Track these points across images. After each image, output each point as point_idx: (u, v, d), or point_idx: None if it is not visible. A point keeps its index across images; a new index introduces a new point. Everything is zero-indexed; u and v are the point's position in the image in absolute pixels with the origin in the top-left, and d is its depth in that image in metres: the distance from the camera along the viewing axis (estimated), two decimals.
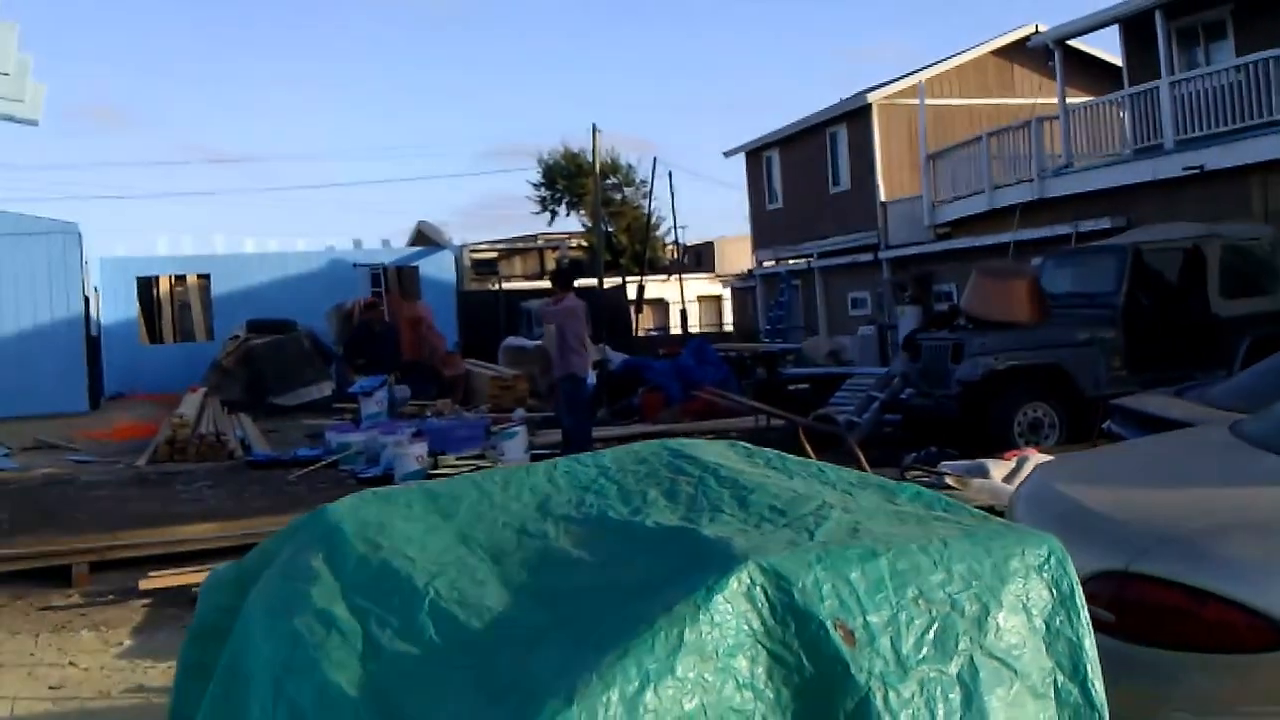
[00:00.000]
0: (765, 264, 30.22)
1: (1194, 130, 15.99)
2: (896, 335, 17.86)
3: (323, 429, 14.06)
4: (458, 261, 28.53)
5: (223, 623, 2.29)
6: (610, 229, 42.95)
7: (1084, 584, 3.44)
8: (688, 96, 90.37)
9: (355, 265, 23.80)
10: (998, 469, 7.18)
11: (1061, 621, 2.21)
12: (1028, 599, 2.18)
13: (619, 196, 45.96)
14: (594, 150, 36.20)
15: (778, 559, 1.98)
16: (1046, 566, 2.23)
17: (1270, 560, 3.24)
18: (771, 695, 1.90)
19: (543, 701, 1.70)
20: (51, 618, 6.76)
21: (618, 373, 15.96)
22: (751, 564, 1.95)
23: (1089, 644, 2.24)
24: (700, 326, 35.65)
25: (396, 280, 24.10)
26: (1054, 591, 2.22)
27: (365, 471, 11.35)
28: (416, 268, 27.19)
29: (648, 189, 38.39)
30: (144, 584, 7.05)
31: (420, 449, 11.10)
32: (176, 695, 2.42)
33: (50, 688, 5.40)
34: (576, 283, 13.58)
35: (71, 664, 5.76)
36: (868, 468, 7.34)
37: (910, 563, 2.08)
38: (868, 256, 24.61)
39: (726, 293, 38.81)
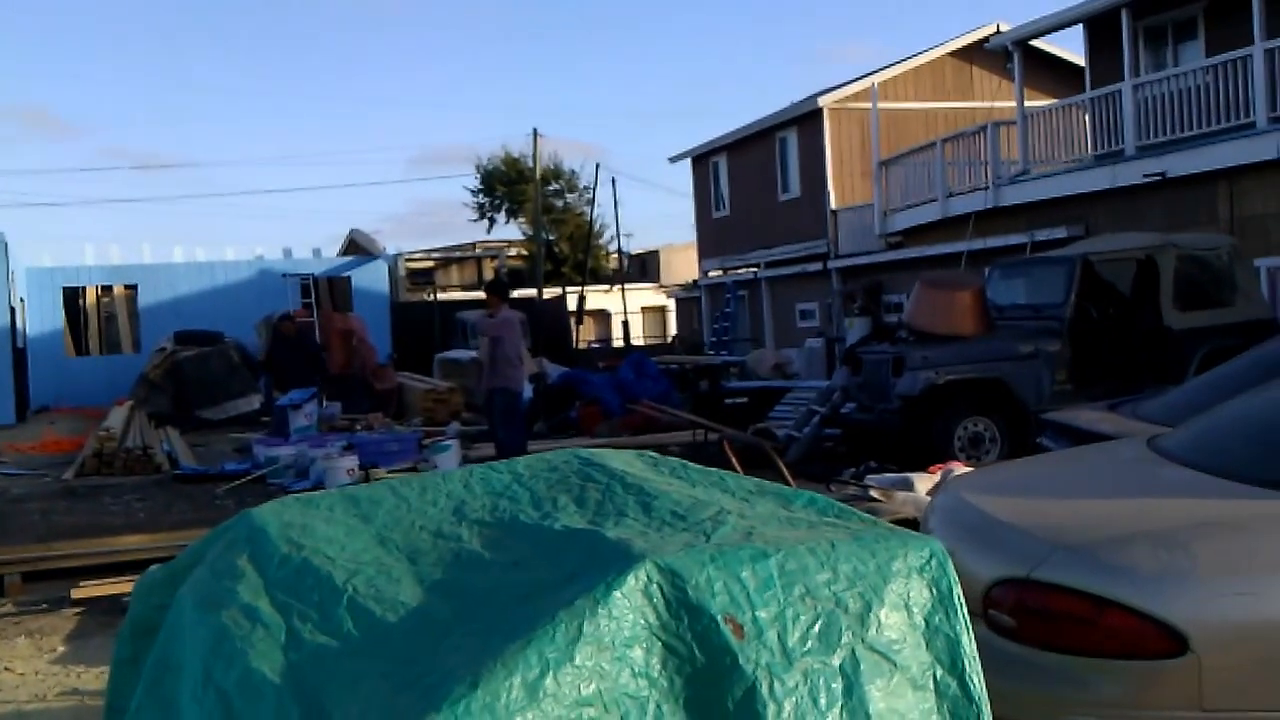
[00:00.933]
0: (711, 274, 30.53)
1: (1157, 135, 16.14)
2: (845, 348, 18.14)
3: (250, 442, 14.38)
4: (392, 271, 28.72)
5: (155, 619, 2.56)
6: (551, 237, 43.21)
7: (987, 591, 3.78)
8: (634, 100, 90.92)
9: (285, 275, 23.90)
10: (922, 482, 7.52)
11: (940, 619, 2.47)
12: (909, 598, 2.44)
13: (561, 203, 46.26)
14: (535, 155, 36.52)
15: (673, 558, 2.24)
16: (927, 568, 2.49)
17: (1169, 569, 3.51)
18: (665, 683, 2.16)
19: (450, 686, 1.95)
20: None
21: (555, 386, 16.23)
22: (649, 563, 2.21)
23: (967, 641, 2.51)
24: (644, 338, 35.98)
25: (328, 291, 24.21)
26: (934, 591, 2.49)
27: (295, 485, 11.55)
28: (348, 278, 27.36)
29: (590, 196, 38.71)
30: (76, 593, 7.44)
31: (351, 462, 11.40)
32: (112, 688, 2.69)
33: None
34: (515, 293, 13.84)
35: (7, 669, 6.11)
36: (792, 481, 7.69)
37: (798, 563, 2.35)
38: (817, 266, 24.94)
39: (671, 303, 39.18)
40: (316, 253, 28.75)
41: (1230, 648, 3.38)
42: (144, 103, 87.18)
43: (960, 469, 7.82)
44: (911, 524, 5.00)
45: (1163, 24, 17.89)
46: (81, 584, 7.64)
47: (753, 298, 28.45)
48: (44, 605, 7.52)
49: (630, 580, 2.17)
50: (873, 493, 7.60)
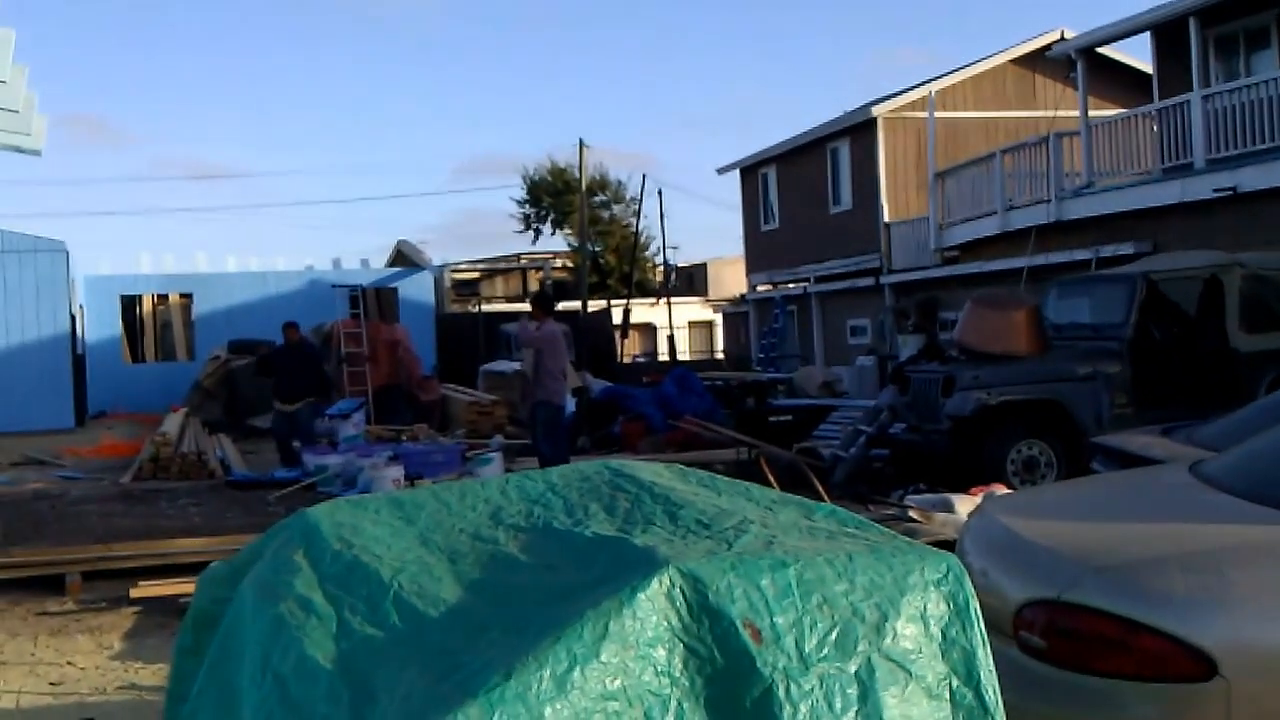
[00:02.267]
0: (759, 288, 30.60)
1: (1228, 148, 15.82)
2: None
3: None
4: (438, 282, 29.52)
5: (216, 611, 2.87)
6: (597, 249, 43.56)
7: (1018, 611, 3.93)
8: (682, 110, 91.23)
9: (334, 286, 24.76)
10: (963, 505, 7.65)
11: (957, 631, 2.66)
12: (925, 610, 2.64)
13: (607, 214, 46.60)
14: (581, 165, 36.84)
15: (696, 565, 2.47)
16: (945, 582, 2.69)
17: (1201, 594, 3.61)
18: (686, 682, 2.38)
19: (486, 676, 2.19)
20: (48, 622, 7.68)
21: (598, 400, 16.48)
22: (672, 568, 2.44)
23: (983, 653, 2.69)
24: (690, 353, 36.18)
25: (375, 302, 24.86)
26: (951, 604, 2.68)
27: (343, 493, 11.93)
28: (395, 289, 28.23)
29: (637, 207, 38.96)
30: (134, 593, 8.01)
31: (396, 472, 11.89)
32: (174, 676, 3.00)
33: (51, 684, 6.25)
34: (559, 305, 14.14)
35: (69, 664, 6.64)
36: (826, 496, 7.87)
37: (816, 573, 2.56)
38: (869, 281, 24.87)
39: (719, 318, 39.32)
40: (365, 263, 29.92)
41: (1261, 674, 3.48)
42: (199, 112, 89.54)
43: (1002, 491, 7.93)
44: (950, 546, 5.15)
45: (1234, 32, 17.58)
46: (139, 584, 8.18)
47: (802, 313, 28.51)
48: (103, 604, 8.05)
49: (654, 584, 2.40)
50: (912, 514, 7.76)
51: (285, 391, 14.99)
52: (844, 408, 16.10)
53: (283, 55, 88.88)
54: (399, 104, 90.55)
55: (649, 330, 37.28)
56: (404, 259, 33.39)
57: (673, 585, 2.41)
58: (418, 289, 28.75)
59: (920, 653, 2.61)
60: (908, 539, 2.87)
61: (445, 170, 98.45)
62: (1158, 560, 3.84)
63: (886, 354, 21.28)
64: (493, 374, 21.71)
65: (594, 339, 26.77)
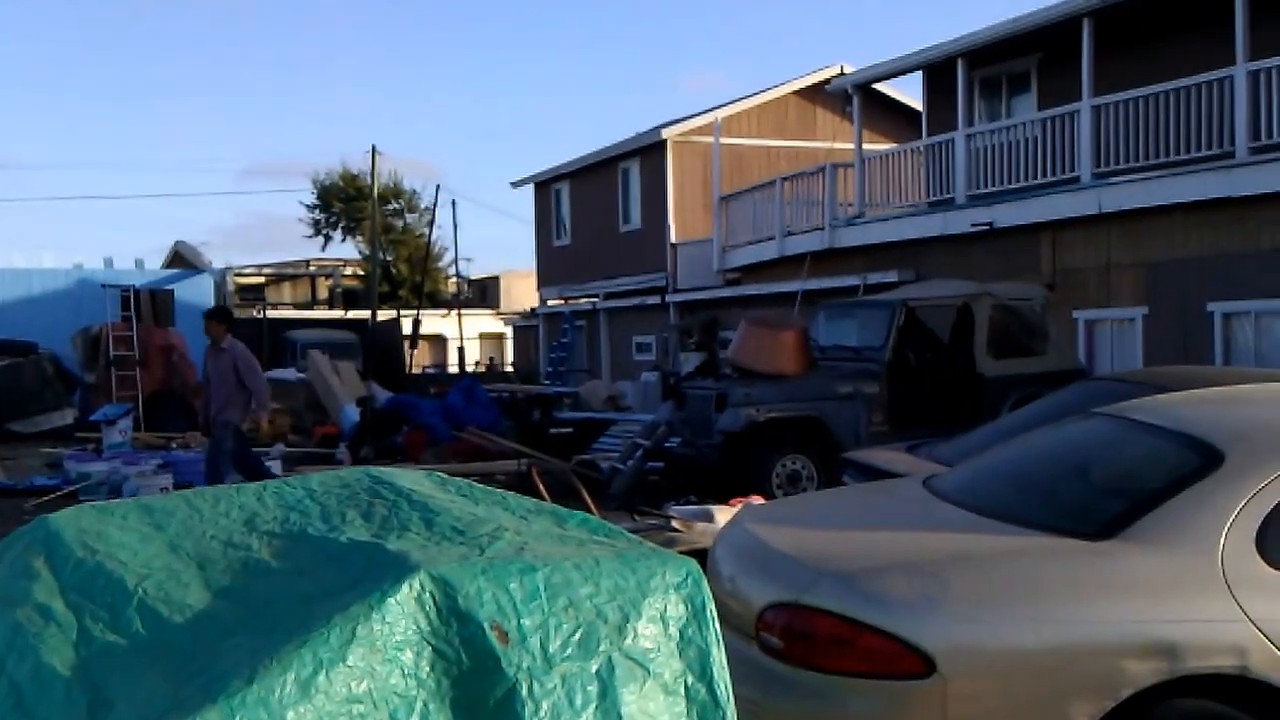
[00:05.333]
0: (550, 302, 30.80)
1: (987, 185, 16.71)
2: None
3: (62, 457, 14.36)
4: (220, 286, 28.54)
5: None
6: (389, 258, 42.96)
7: (760, 614, 4.15)
8: (479, 123, 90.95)
9: (104, 286, 23.59)
10: (722, 514, 7.96)
11: (694, 631, 2.80)
12: (665, 611, 2.76)
13: (400, 224, 46.07)
14: (373, 173, 36.34)
15: (447, 569, 2.52)
16: (684, 585, 2.83)
17: (920, 596, 3.89)
18: (433, 684, 2.43)
19: (228, 681, 2.19)
20: None
21: (383, 410, 16.27)
22: (423, 573, 2.48)
23: (717, 651, 2.84)
24: (480, 365, 36.09)
25: (149, 304, 23.84)
26: (689, 606, 2.82)
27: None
28: (171, 291, 27.00)
29: (431, 217, 38.63)
30: None
31: (165, 480, 11.46)
32: None
33: None
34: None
35: None
36: (594, 508, 8.07)
37: (564, 577, 2.65)
38: (656, 299, 25.34)
39: (509, 331, 39.34)
40: (139, 264, 28.64)
41: (973, 672, 3.76)
42: None
43: (759, 502, 8.30)
44: (705, 554, 5.36)
45: (998, 75, 18.55)
46: None
47: (591, 328, 28.78)
48: None
49: (405, 588, 2.44)
50: (674, 523, 8.05)
51: None
52: (624, 421, 16.38)
53: (55, 42, 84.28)
54: (183, 101, 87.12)
55: (440, 341, 36.97)
56: (182, 260, 32.20)
57: (423, 589, 2.46)
58: (196, 292, 27.69)
59: (659, 651, 2.72)
60: (653, 545, 3.00)
61: (230, 171, 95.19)
62: (885, 566, 4.11)
63: (670, 370, 21.71)
64: (273, 382, 21.13)
65: (383, 349, 26.39)
